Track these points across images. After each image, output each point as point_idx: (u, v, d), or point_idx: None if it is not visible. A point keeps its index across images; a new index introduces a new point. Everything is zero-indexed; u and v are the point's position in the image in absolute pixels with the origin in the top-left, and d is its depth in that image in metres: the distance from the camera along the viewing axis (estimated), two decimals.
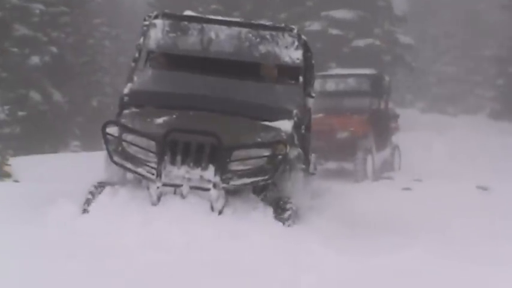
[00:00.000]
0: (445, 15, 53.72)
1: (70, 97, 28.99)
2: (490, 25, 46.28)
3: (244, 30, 7.96)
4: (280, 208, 6.63)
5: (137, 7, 48.91)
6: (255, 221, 6.28)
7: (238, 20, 9.11)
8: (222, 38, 7.87)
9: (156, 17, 7.99)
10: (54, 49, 28.07)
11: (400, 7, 35.16)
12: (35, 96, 26.64)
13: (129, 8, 51.43)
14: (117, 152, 6.65)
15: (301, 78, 7.87)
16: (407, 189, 12.02)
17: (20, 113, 22.56)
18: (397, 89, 24.09)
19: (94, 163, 7.83)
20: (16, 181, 14.31)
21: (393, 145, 17.84)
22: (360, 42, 29.49)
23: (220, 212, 6.31)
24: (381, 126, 16.90)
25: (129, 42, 35.26)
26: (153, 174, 6.40)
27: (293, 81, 7.89)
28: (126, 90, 7.48)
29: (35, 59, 26.88)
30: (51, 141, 25.66)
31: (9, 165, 15.46)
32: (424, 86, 49.44)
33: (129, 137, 6.67)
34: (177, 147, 6.50)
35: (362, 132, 15.59)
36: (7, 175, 14.94)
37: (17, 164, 15.69)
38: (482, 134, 27.17)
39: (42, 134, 25.48)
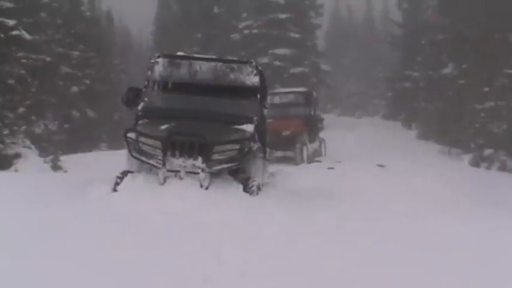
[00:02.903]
0: (351, 49, 54.40)
1: (99, 114, 28.74)
2: (381, 56, 46.77)
3: (218, 63, 7.91)
4: (247, 184, 6.60)
5: (143, 49, 48.63)
6: (230, 193, 6.26)
7: (214, 56, 9.03)
8: (203, 69, 7.79)
9: (158, 56, 7.90)
10: (87, 81, 28.19)
11: (321, 45, 35.56)
12: (75, 113, 26.65)
13: (137, 49, 50.99)
14: (135, 149, 6.58)
15: (258, 95, 7.81)
16: (331, 168, 11.96)
17: (65, 125, 22.43)
18: (321, 101, 24.18)
19: (117, 158, 7.77)
20: (65, 171, 14.15)
21: (320, 139, 17.87)
22: (295, 70, 29.69)
23: (206, 188, 6.24)
24: (312, 126, 16.93)
25: (138, 74, 34.98)
26: (160, 164, 6.34)
27: (253, 97, 7.81)
28: (139, 107, 7.39)
29: (74, 89, 27.04)
30: (87, 144, 25.32)
31: (60, 161, 15.29)
32: (338, 98, 49.77)
33: (142, 139, 6.60)
34: (176, 145, 6.43)
35: (299, 131, 15.61)
36: (59, 168, 14.80)
37: (65, 160, 15.54)
38: (378, 130, 27.60)
39: (81, 139, 25.26)
